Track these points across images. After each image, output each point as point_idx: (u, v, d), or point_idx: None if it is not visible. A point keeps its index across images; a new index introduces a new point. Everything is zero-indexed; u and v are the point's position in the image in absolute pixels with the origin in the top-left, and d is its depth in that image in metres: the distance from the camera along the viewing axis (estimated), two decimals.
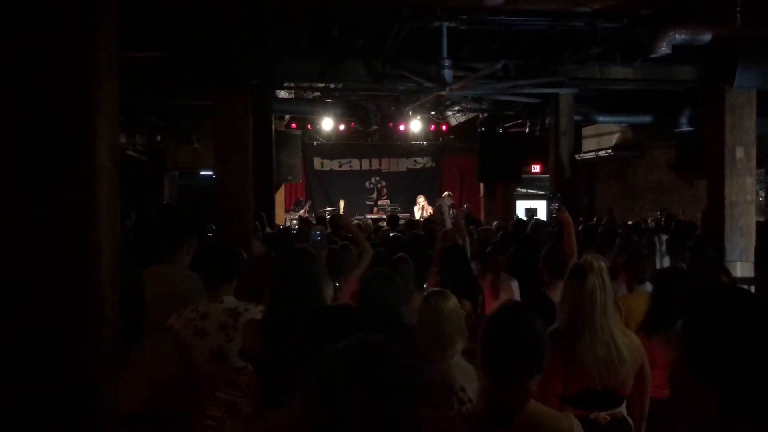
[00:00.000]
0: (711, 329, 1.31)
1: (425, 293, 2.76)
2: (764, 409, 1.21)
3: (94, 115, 1.52)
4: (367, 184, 16.94)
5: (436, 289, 2.85)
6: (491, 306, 4.57)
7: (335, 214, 11.22)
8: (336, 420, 1.16)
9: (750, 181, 5.52)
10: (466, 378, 2.41)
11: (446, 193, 15.25)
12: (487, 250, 5.10)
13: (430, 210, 13.74)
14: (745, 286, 5.31)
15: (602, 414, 2.59)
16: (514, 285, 4.74)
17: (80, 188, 1.46)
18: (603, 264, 2.76)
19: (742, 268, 5.37)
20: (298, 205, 14.27)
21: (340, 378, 1.18)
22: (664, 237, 7.23)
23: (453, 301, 2.63)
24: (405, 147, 16.83)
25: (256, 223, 6.98)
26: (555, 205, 4.59)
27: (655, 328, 3.21)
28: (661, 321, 3.20)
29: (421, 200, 14.41)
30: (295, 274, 2.57)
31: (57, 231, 1.43)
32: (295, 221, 12.01)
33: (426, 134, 15.85)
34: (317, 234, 4.76)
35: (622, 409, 2.69)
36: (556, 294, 3.84)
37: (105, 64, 1.60)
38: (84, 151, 1.48)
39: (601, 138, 14.12)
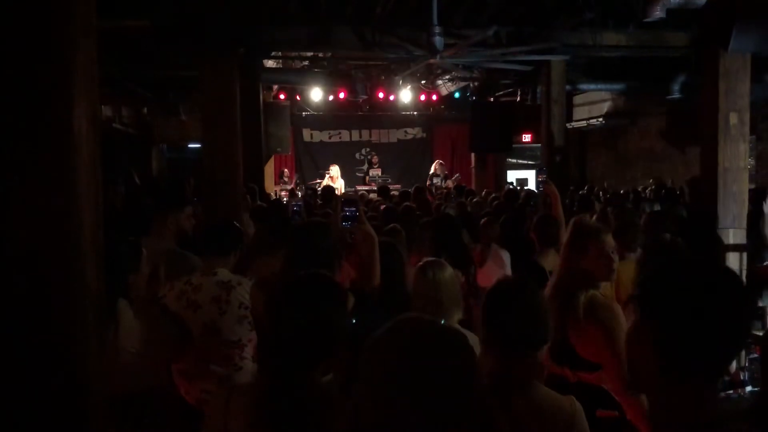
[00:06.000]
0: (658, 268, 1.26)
1: (420, 263, 2.71)
2: (703, 357, 1.14)
3: (70, 81, 1.45)
4: (357, 155, 16.81)
5: (431, 258, 2.80)
6: (478, 275, 4.57)
7: (327, 185, 11.15)
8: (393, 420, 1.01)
9: (743, 147, 5.45)
10: None
11: (437, 161, 15.15)
12: (482, 221, 5.07)
13: (341, 183, 12.97)
14: (738, 254, 5.33)
15: (569, 372, 2.43)
16: (505, 255, 4.72)
17: (57, 157, 1.39)
18: (587, 220, 2.77)
19: (734, 235, 5.36)
20: (283, 177, 14.12)
21: (394, 371, 1.03)
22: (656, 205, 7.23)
23: (449, 271, 2.59)
24: (395, 118, 16.68)
25: (248, 196, 6.89)
26: (542, 177, 4.55)
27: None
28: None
29: (333, 170, 13.38)
30: (309, 245, 2.53)
31: (33, 201, 1.37)
32: (284, 193, 11.94)
33: (416, 104, 15.68)
34: (296, 206, 4.64)
35: (594, 378, 2.44)
36: (548, 262, 3.83)
37: (81, 28, 1.52)
38: (60, 118, 1.41)
39: (592, 106, 14.04)
